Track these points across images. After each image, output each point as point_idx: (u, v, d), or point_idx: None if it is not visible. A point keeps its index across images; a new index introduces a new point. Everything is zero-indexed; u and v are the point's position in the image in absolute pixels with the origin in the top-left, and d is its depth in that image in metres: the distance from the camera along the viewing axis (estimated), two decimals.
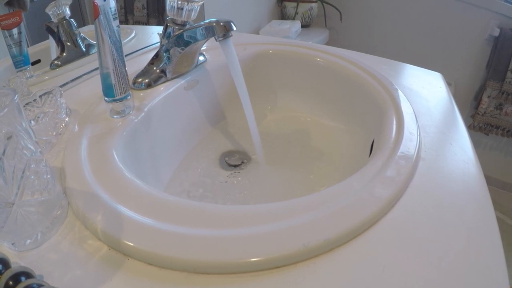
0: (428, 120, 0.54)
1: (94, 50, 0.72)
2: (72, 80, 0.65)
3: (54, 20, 0.64)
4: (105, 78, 0.50)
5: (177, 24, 0.59)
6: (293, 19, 1.93)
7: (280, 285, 0.30)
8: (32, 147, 0.33)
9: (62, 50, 0.67)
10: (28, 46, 0.59)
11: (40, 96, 0.51)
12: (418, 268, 0.32)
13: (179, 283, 0.31)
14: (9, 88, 0.32)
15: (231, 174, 0.63)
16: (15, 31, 0.56)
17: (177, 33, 0.59)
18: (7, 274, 0.28)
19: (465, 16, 1.76)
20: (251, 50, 0.77)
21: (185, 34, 0.58)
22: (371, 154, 0.54)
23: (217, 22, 0.54)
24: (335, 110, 0.73)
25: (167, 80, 0.63)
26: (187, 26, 0.60)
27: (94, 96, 0.58)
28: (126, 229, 0.34)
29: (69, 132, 0.51)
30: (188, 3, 0.58)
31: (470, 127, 1.81)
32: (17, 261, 0.33)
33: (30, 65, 0.60)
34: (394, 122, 0.51)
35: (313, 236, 0.33)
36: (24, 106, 0.49)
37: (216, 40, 0.55)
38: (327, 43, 1.96)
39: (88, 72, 0.68)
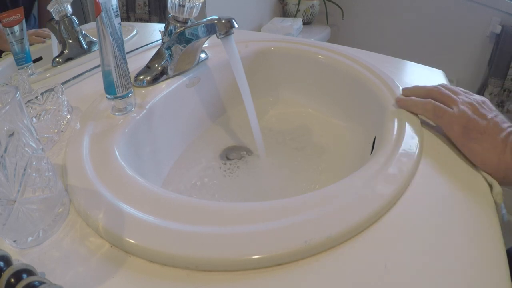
0: None
1: (96, 47, 0.72)
2: (74, 78, 0.65)
3: (56, 17, 0.64)
4: (106, 76, 0.50)
5: (178, 22, 0.59)
6: (295, 16, 1.93)
7: (282, 282, 0.30)
8: (33, 145, 0.33)
9: (64, 48, 0.67)
10: (29, 44, 0.59)
11: (42, 94, 0.51)
12: (421, 265, 0.31)
13: (181, 280, 0.31)
14: (11, 86, 0.32)
15: (231, 169, 0.63)
16: (16, 28, 0.56)
17: (179, 30, 0.58)
18: (9, 271, 0.28)
19: (467, 13, 1.76)
20: (253, 48, 0.77)
21: (186, 32, 0.58)
22: (373, 151, 0.54)
23: (219, 19, 0.54)
24: (336, 107, 0.73)
25: (169, 78, 0.63)
26: (189, 24, 0.60)
27: (95, 94, 0.58)
28: (128, 226, 0.34)
29: (71, 130, 0.51)
30: (189, 1, 0.58)
31: None
32: (19, 259, 0.33)
33: (31, 62, 0.60)
34: (396, 119, 0.50)
35: (315, 233, 0.33)
36: (26, 104, 0.49)
37: (218, 37, 0.55)
38: (329, 41, 1.96)
39: (90, 70, 0.68)
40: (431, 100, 0.50)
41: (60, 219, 0.36)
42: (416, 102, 0.52)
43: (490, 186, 0.41)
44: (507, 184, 0.42)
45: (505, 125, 0.44)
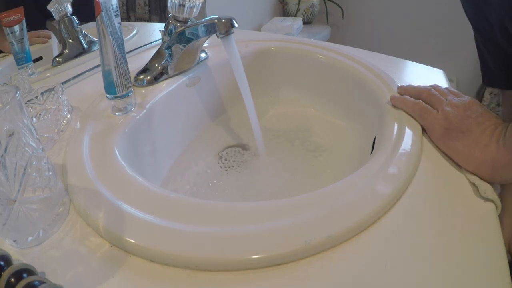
0: None
1: (96, 47, 0.72)
2: (74, 77, 0.65)
3: (56, 17, 0.64)
4: (107, 75, 0.50)
5: (179, 21, 0.59)
6: (295, 16, 1.93)
7: (282, 282, 0.30)
8: (34, 144, 0.33)
9: (64, 47, 0.67)
10: (30, 44, 0.59)
11: (42, 93, 0.51)
12: (421, 264, 0.31)
13: (181, 280, 0.31)
14: (11, 85, 0.32)
15: (231, 168, 0.63)
16: (17, 28, 0.56)
17: (179, 30, 0.58)
18: (9, 271, 0.28)
19: None
20: (253, 47, 0.77)
21: (187, 31, 0.58)
22: (373, 151, 0.54)
23: (219, 19, 0.54)
24: (336, 107, 0.73)
25: (169, 77, 0.63)
26: (189, 23, 0.59)
27: (96, 93, 0.58)
28: (128, 226, 0.34)
29: (71, 129, 0.51)
30: (189, 0, 0.58)
31: None
32: (19, 258, 0.33)
33: (32, 62, 0.60)
34: (396, 119, 0.50)
35: (315, 233, 0.33)
36: (26, 103, 0.49)
37: (218, 37, 0.55)
38: (329, 40, 1.96)
39: (90, 69, 0.68)
40: (420, 101, 0.50)
41: (60, 219, 0.36)
42: (407, 101, 0.51)
43: (476, 186, 0.40)
44: (500, 181, 0.40)
45: (490, 122, 0.42)
